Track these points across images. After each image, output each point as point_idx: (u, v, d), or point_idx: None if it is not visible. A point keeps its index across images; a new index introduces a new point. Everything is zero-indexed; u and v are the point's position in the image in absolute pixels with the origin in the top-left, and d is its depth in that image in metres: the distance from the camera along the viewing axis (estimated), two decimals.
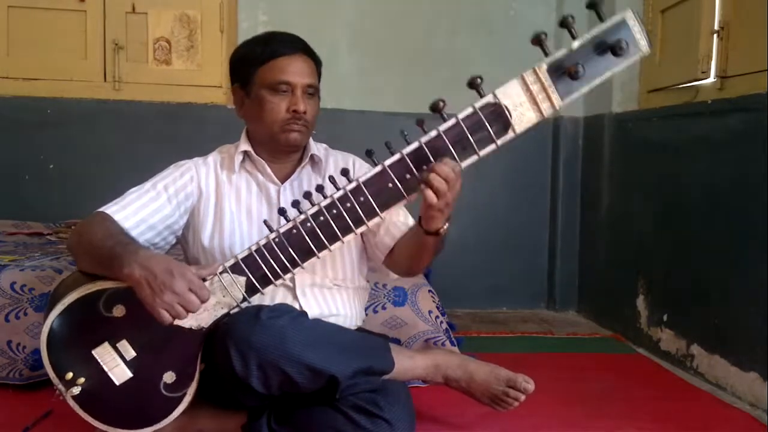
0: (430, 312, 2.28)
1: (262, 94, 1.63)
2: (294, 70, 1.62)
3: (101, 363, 1.43)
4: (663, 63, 2.79)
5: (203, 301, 1.37)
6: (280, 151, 1.68)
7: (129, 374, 1.44)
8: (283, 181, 1.70)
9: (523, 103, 1.32)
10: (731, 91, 2.33)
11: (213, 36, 3.38)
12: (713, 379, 2.28)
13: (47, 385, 1.79)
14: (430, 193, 1.35)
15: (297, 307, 1.62)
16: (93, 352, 1.43)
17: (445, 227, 1.49)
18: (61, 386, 1.44)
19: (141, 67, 3.34)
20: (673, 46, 2.72)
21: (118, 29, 3.31)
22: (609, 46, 1.27)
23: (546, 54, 1.30)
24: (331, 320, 1.65)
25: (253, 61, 1.65)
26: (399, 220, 1.68)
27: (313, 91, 1.65)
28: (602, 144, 3.16)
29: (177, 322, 1.39)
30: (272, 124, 1.63)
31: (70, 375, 1.43)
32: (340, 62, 3.27)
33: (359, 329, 1.76)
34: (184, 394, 1.46)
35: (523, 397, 1.70)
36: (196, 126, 3.21)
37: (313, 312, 1.63)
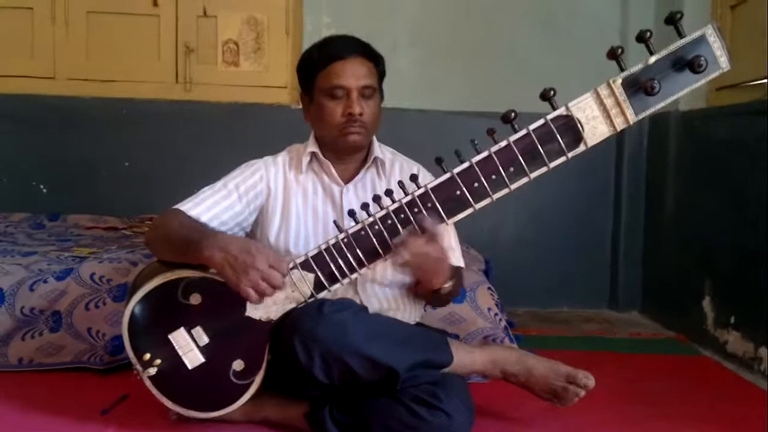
0: (489, 309, 2.29)
1: (321, 99, 1.68)
2: (348, 73, 1.65)
3: (176, 347, 1.51)
4: (732, 60, 2.70)
5: (284, 275, 1.43)
6: (342, 152, 1.73)
7: (201, 359, 1.52)
8: (346, 183, 1.75)
9: (596, 117, 1.32)
10: None
11: (279, 38, 3.47)
12: None
13: (125, 369, 1.90)
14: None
15: (357, 301, 1.66)
16: (169, 336, 1.52)
17: (446, 286, 1.55)
18: (138, 366, 1.53)
19: (210, 68, 3.46)
20: (743, 42, 2.65)
21: (190, 32, 3.43)
22: (687, 63, 1.26)
23: (622, 69, 1.29)
24: (390, 315, 1.69)
25: (312, 67, 1.70)
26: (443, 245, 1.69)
27: (370, 92, 1.68)
28: (668, 142, 3.10)
29: (249, 312, 1.46)
30: (332, 129, 1.68)
31: (147, 356, 1.52)
32: (400, 60, 3.29)
33: (418, 324, 1.80)
34: (252, 382, 1.53)
35: (583, 393, 1.69)
36: (262, 125, 3.29)
37: (373, 307, 1.68)
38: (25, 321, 2.14)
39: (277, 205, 1.73)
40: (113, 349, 2.09)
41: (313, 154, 1.75)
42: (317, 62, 1.69)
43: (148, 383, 1.54)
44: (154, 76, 3.44)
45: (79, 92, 3.38)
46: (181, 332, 1.52)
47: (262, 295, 1.42)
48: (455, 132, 3.09)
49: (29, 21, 3.38)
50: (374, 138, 1.79)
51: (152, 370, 1.52)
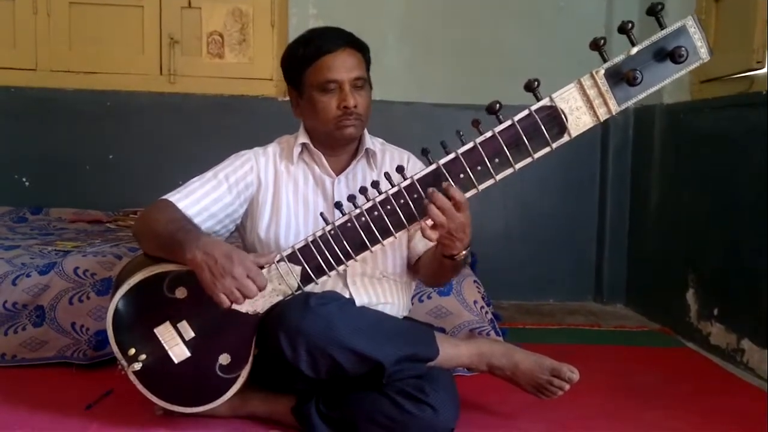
0: (475, 302, 2.29)
1: (312, 95, 1.66)
2: (339, 66, 1.64)
3: (162, 341, 1.51)
4: (717, 53, 2.70)
5: (260, 289, 1.43)
6: (337, 145, 1.73)
7: (187, 353, 1.51)
8: (338, 174, 1.74)
9: (580, 108, 1.34)
10: None
11: (264, 30, 3.45)
12: (764, 374, 2.25)
13: (109, 364, 1.89)
14: (424, 226, 1.39)
15: (346, 294, 1.66)
16: (155, 330, 1.51)
17: (462, 254, 1.52)
18: (123, 361, 1.52)
19: (195, 60, 3.43)
20: (728, 35, 2.67)
21: (174, 24, 3.40)
22: (668, 53, 1.28)
23: (604, 59, 1.31)
24: (379, 308, 1.69)
25: (300, 63, 1.68)
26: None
27: (361, 83, 1.67)
28: (653, 135, 3.12)
29: (234, 306, 1.45)
30: (327, 123, 1.66)
31: (132, 351, 1.51)
32: (388, 53, 3.28)
33: (405, 318, 1.80)
34: (238, 376, 1.53)
35: (567, 387, 1.71)
36: (247, 117, 3.28)
37: (361, 300, 1.68)
38: (8, 316, 2.12)
39: (267, 197, 1.73)
40: (97, 344, 2.07)
41: (303, 144, 1.74)
42: (305, 57, 1.66)
43: (133, 378, 1.53)
44: (138, 67, 3.41)
45: (62, 84, 3.34)
46: (167, 326, 1.51)
47: (233, 303, 1.42)
48: (442, 123, 3.09)
49: (10, 12, 3.34)
50: (365, 129, 1.78)
51: (137, 365, 1.50)
